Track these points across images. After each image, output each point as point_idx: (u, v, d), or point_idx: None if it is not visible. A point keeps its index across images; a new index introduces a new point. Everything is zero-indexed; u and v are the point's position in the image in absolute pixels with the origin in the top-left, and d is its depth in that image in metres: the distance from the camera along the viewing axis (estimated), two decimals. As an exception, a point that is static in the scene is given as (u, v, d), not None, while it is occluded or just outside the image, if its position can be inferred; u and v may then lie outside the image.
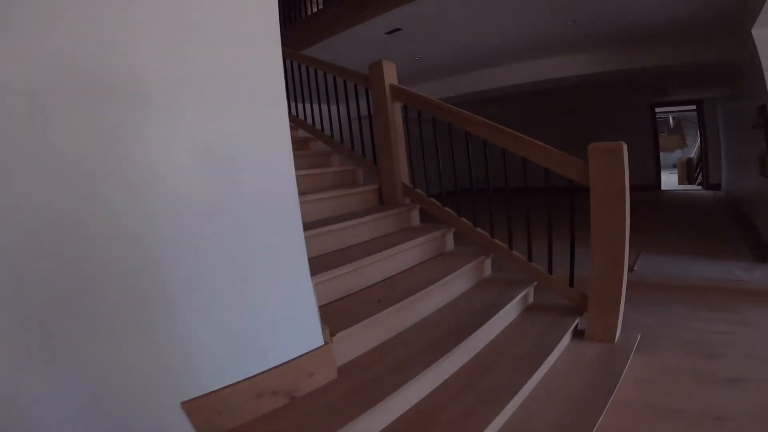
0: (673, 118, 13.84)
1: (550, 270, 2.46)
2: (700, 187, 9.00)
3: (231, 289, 1.37)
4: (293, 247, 1.53)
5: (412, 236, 2.62)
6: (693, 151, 10.89)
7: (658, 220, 6.12)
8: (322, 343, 1.59)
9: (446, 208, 2.86)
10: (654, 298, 3.15)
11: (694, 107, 9.03)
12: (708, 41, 4.77)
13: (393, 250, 2.37)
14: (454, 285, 2.42)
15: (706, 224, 5.55)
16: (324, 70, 3.47)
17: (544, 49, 5.47)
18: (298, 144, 3.72)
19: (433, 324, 2.08)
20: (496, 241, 2.65)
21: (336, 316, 1.82)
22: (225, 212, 1.35)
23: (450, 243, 2.92)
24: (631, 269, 3.89)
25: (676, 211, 6.73)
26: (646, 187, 9.25)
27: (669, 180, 10.44)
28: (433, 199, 2.93)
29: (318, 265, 2.08)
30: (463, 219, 2.79)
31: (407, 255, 2.49)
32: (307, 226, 2.40)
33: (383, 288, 2.16)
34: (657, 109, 9.26)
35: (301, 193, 2.89)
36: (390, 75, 3.00)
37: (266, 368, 1.43)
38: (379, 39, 4.79)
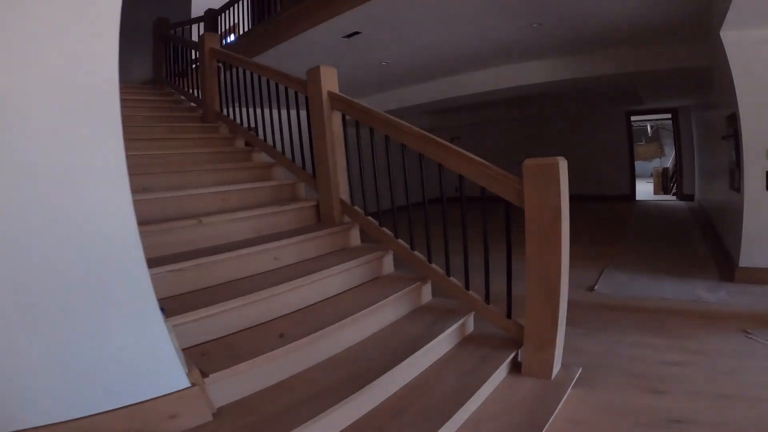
0: (651, 127, 13.89)
1: (487, 298, 2.25)
2: (674, 198, 8.95)
3: (66, 312, 1.18)
4: (133, 279, 1.31)
5: (343, 259, 2.40)
6: (670, 161, 10.88)
7: (628, 232, 5.99)
8: (188, 384, 1.37)
9: (383, 228, 2.63)
10: (609, 321, 2.96)
11: (669, 116, 9.00)
12: (679, 46, 4.66)
13: (316, 275, 2.14)
14: (384, 313, 2.20)
15: (676, 238, 5.43)
16: (266, 76, 3.24)
17: (514, 54, 5.33)
18: (238, 155, 3.49)
19: (351, 359, 1.86)
20: (433, 266, 2.43)
21: (221, 353, 1.59)
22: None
23: (389, 266, 2.69)
24: (591, 288, 3.72)
25: (647, 223, 6.61)
26: (621, 197, 9.18)
27: (646, 190, 10.41)
28: (370, 218, 2.70)
29: (219, 293, 1.85)
30: (401, 241, 2.56)
31: (334, 280, 2.27)
32: (219, 249, 2.23)
33: (294, 320, 1.93)
34: (633, 118, 9.22)
35: (229, 210, 2.72)
36: (329, 81, 2.77)
37: (109, 408, 1.25)
38: (340, 43, 4.59)
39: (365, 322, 2.06)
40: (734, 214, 3.76)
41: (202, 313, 1.67)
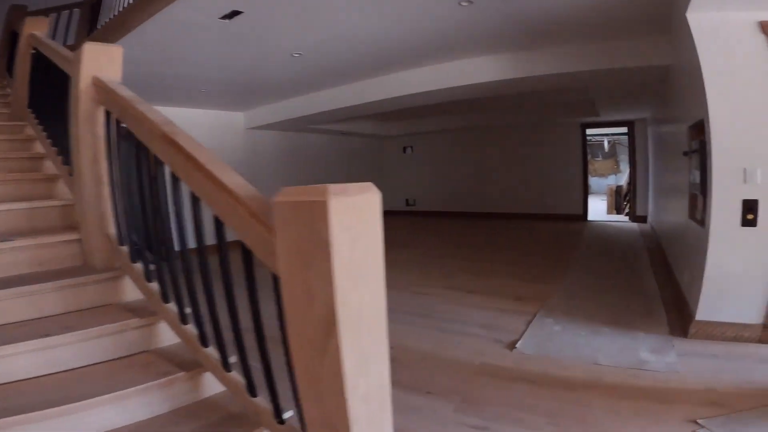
0: (609, 142, 13.46)
1: (277, 411, 1.19)
2: (627, 218, 8.29)
3: None
4: None
5: (91, 322, 1.43)
6: (624, 178, 10.33)
7: (572, 263, 5.12)
8: None
9: (152, 283, 1.53)
10: (515, 405, 1.99)
11: (625, 130, 8.36)
12: (638, 41, 3.82)
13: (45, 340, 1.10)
14: (122, 408, 1.13)
15: (625, 271, 4.59)
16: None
17: (455, 48, 4.35)
18: (27, 164, 2.50)
19: None
20: (208, 350, 1.36)
21: None
22: None
23: (167, 337, 1.61)
24: (513, 346, 2.76)
25: (594, 251, 5.79)
26: (572, 217, 8.46)
27: (600, 207, 9.80)
28: (138, 264, 1.59)
29: None
30: (171, 305, 1.47)
31: (69, 350, 1.25)
32: None
33: None
34: (588, 131, 8.58)
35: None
36: (98, 63, 1.69)
37: None
38: (221, 26, 3.45)
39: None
40: (694, 252, 2.89)
41: None
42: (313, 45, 4.09)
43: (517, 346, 2.74)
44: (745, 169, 2.33)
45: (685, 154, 2.96)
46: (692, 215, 3.04)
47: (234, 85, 5.48)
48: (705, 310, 2.63)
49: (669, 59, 3.62)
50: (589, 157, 15.35)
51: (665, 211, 4.96)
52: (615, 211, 9.04)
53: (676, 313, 3.14)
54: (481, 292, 4.01)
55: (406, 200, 10.70)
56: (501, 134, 9.14)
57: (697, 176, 2.79)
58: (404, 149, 10.61)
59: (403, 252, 6.14)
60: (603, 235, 6.93)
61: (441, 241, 6.86)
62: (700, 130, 2.70)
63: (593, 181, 14.62)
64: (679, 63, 3.29)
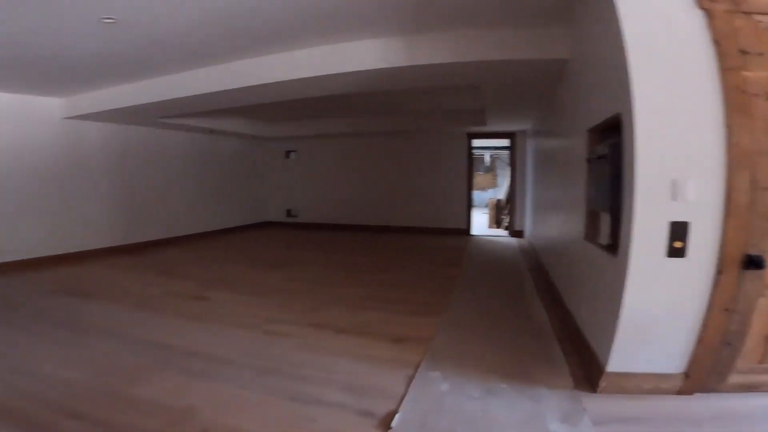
0: (489, 156, 13.94)
1: None
2: (507, 233, 8.27)
3: None
4: None
5: None
6: (503, 192, 10.54)
7: (458, 286, 4.56)
8: None
9: None
10: None
11: (507, 143, 8.37)
12: (535, 29, 3.35)
13: None
14: None
15: (510, 297, 4.11)
16: None
17: (325, 26, 3.45)
18: None
19: None
20: None
21: None
22: None
23: None
24: (388, 424, 1.90)
25: (478, 270, 5.36)
26: (456, 231, 8.18)
27: (482, 221, 9.79)
28: None
29: None
30: None
31: None
32: None
33: None
34: (474, 141, 8.46)
35: None
36: None
37: None
38: None
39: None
40: (602, 287, 2.35)
41: None
42: (129, 6, 2.88)
43: (393, 425, 1.89)
44: (674, 181, 1.80)
45: (589, 161, 2.44)
46: (591, 237, 2.54)
47: (31, 62, 3.94)
48: (618, 361, 2.07)
49: (568, 52, 3.20)
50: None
51: (549, 229, 4.67)
52: (495, 225, 9.04)
53: (577, 357, 2.60)
54: (354, 332, 3.13)
55: (288, 211, 9.54)
56: (388, 142, 8.57)
57: (602, 189, 2.26)
58: (287, 153, 9.46)
59: (271, 274, 5.04)
60: (486, 251, 6.63)
61: (319, 261, 5.89)
62: (611, 130, 2.18)
63: (475, 195, 15.10)
64: (581, 56, 2.83)
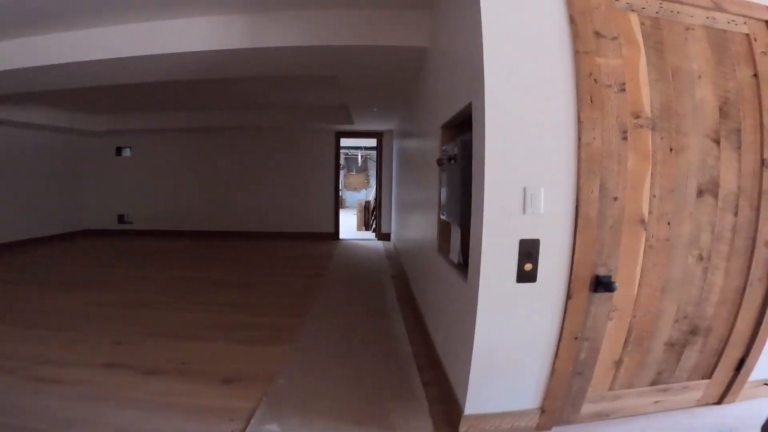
0: (362, 156, 13.74)
1: None
2: (374, 236, 8.00)
3: None
4: None
5: None
6: (372, 193, 10.34)
7: (314, 302, 4.00)
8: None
9: None
10: None
11: (376, 141, 8.09)
12: (394, 12, 2.94)
13: None
14: None
15: (371, 312, 3.68)
16: None
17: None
18: None
19: None
20: None
21: None
22: None
23: None
24: None
25: (340, 281, 4.86)
26: (323, 235, 7.63)
27: (352, 224, 9.40)
28: None
29: None
30: None
31: None
32: None
33: None
34: (344, 141, 8.03)
35: None
36: None
37: None
38: None
39: None
40: (454, 312, 1.98)
41: None
42: None
43: None
44: (525, 189, 1.45)
45: (440, 162, 2.05)
46: (443, 250, 2.17)
47: None
48: (475, 402, 1.71)
49: (427, 40, 2.85)
50: (345, 171, 15.67)
51: (410, 234, 4.38)
52: (364, 228, 8.73)
53: (438, 390, 2.21)
54: (170, 372, 2.37)
55: (120, 216, 7.92)
56: (246, 139, 7.62)
57: (452, 197, 1.88)
58: (118, 150, 7.83)
59: (72, 297, 3.85)
60: (351, 257, 6.20)
61: (147, 277, 4.78)
62: (466, 127, 1.80)
63: (348, 196, 14.81)
64: (439, 44, 2.47)
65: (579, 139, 1.47)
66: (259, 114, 6.83)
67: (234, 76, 3.97)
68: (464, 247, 1.79)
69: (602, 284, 1.57)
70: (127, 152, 7.86)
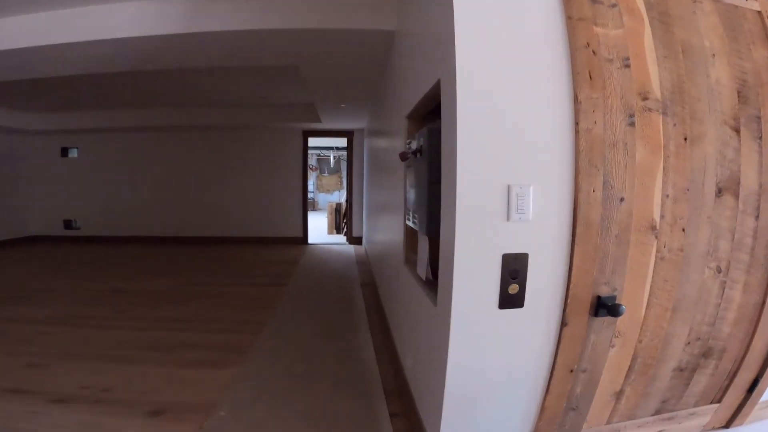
0: (334, 157, 13.33)
1: None
2: (345, 239, 7.60)
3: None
4: None
5: None
6: (344, 195, 9.94)
7: (273, 316, 3.61)
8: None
9: None
10: None
11: (346, 141, 7.71)
12: None
13: None
14: None
15: (335, 328, 3.31)
16: None
17: None
18: None
19: None
20: None
21: None
22: None
23: None
24: None
25: (303, 292, 4.47)
26: (291, 240, 7.19)
27: (324, 227, 8.96)
28: None
29: None
30: None
31: None
32: None
33: None
34: (314, 141, 7.60)
35: None
36: None
37: None
38: None
39: None
40: (423, 334, 1.64)
41: None
42: None
43: None
44: (509, 189, 1.12)
45: (403, 157, 1.70)
46: (411, 261, 1.83)
47: None
48: None
49: (395, 22, 2.51)
50: (317, 172, 15.20)
51: (378, 239, 4.03)
52: (336, 231, 8.32)
53: (406, 423, 1.87)
54: (86, 400, 2.01)
55: (67, 222, 7.27)
56: (204, 139, 7.11)
57: (418, 200, 1.53)
58: (64, 151, 7.18)
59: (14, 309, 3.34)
60: (320, 263, 5.80)
61: (89, 288, 4.28)
62: (434, 115, 1.46)
63: (321, 198, 14.35)
64: (407, 26, 2.13)
65: (577, 123, 1.16)
66: (217, 112, 6.36)
67: (174, 67, 3.52)
68: (434, 259, 1.45)
69: (605, 307, 1.25)
70: (73, 153, 7.22)
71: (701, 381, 1.66)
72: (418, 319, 1.71)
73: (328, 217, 8.31)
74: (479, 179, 1.10)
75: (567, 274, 1.20)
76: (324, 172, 14.15)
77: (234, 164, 7.20)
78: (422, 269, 1.57)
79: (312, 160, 14.10)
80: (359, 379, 2.32)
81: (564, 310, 1.24)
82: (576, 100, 1.18)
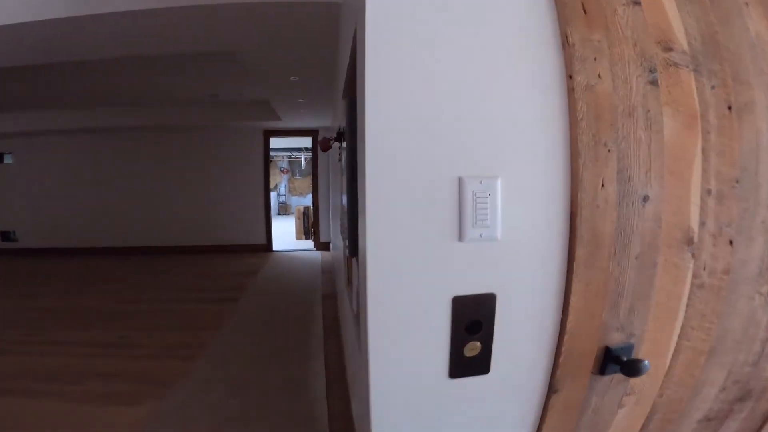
0: (305, 159, 12.79)
1: None
2: (313, 245, 7.09)
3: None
4: None
5: None
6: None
7: (217, 342, 3.11)
8: None
9: None
10: None
11: (310, 141, 7.19)
12: None
13: None
14: None
15: (286, 351, 2.83)
16: None
17: None
18: None
19: None
20: None
21: None
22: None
23: None
24: None
25: (259, 307, 3.96)
26: (254, 247, 6.64)
27: (292, 232, 8.40)
28: None
29: None
30: None
31: None
32: None
33: None
34: (279, 141, 7.05)
35: None
36: None
37: None
38: None
39: None
40: (359, 384, 1.18)
41: None
42: None
43: None
44: (460, 183, 0.66)
45: (325, 146, 1.25)
46: (349, 288, 1.37)
47: None
48: None
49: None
50: (289, 174, 14.61)
51: (339, 250, 3.56)
52: (304, 236, 7.79)
53: None
54: None
55: (5, 233, 6.57)
56: (154, 140, 6.51)
57: (344, 202, 1.07)
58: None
59: None
60: (280, 274, 5.28)
61: (11, 306, 3.68)
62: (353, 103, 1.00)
63: (294, 201, 13.77)
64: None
65: (570, 77, 0.71)
66: (165, 111, 5.78)
67: (77, 58, 2.97)
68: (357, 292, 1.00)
69: (617, 362, 0.81)
70: (8, 159, 6.52)
71: (731, 427, 1.24)
72: (353, 361, 1.24)
73: (295, 222, 7.78)
74: (407, 168, 0.64)
75: (559, 319, 0.75)
76: (296, 175, 13.60)
77: (189, 167, 6.62)
78: (352, 299, 1.11)
79: (283, 162, 13.53)
80: (304, 420, 1.85)
81: (553, 374, 0.80)
82: (567, 43, 0.73)
